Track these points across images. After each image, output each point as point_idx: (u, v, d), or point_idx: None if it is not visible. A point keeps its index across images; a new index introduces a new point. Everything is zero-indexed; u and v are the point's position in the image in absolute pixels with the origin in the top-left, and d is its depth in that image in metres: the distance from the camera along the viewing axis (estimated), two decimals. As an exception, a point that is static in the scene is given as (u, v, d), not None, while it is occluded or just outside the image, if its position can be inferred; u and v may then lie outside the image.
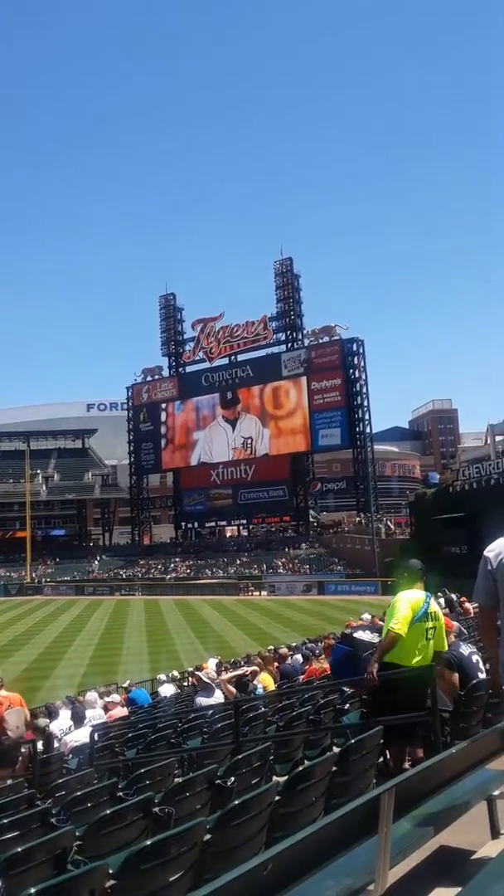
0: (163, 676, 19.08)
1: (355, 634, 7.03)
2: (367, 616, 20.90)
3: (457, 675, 6.24)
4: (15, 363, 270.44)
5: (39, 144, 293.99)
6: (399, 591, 5.69)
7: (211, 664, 16.66)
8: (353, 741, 4.45)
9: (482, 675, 6.25)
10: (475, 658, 6.51)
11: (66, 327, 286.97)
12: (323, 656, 12.80)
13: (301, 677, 12.41)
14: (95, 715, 12.40)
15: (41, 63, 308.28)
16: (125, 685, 20.12)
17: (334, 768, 4.12)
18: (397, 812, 3.04)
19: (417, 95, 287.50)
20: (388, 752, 5.87)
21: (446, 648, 5.97)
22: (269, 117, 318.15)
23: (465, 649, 6.65)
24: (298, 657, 16.15)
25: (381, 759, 5.68)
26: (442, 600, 16.49)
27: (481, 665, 6.41)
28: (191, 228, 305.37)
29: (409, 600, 5.50)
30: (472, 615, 14.05)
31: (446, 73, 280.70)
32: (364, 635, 6.55)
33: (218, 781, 4.70)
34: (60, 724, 11.45)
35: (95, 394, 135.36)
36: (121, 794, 5.30)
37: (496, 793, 3.75)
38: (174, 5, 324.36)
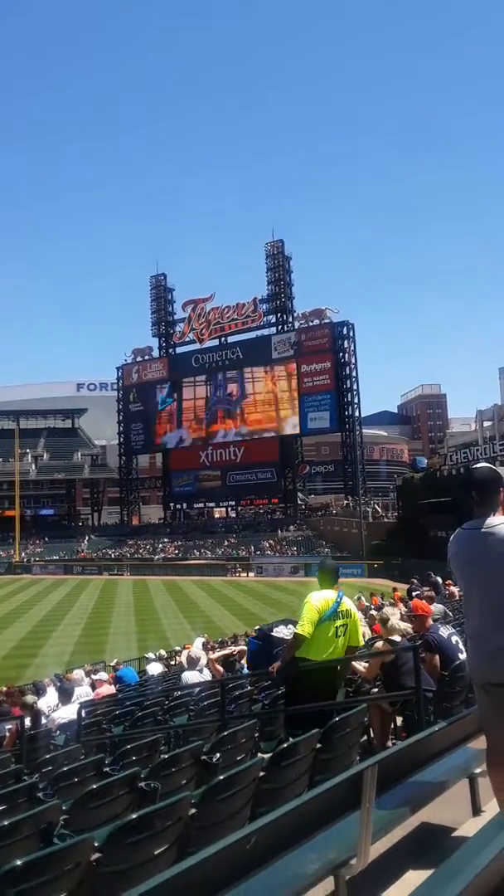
0: (151, 655, 19.19)
1: (273, 631, 7.85)
2: (362, 600, 21.10)
3: (437, 656, 6.34)
4: (4, 342, 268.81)
5: (33, 122, 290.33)
6: (313, 590, 6.05)
7: (197, 643, 16.75)
8: (336, 719, 4.50)
9: (462, 657, 6.33)
10: (454, 639, 6.61)
11: (57, 306, 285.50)
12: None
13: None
14: (83, 692, 12.47)
15: (40, 41, 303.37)
16: (113, 664, 20.23)
17: (318, 745, 4.17)
18: (380, 788, 3.09)
19: (411, 78, 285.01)
20: (371, 729, 5.97)
21: (361, 643, 6.36)
22: (264, 99, 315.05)
23: (445, 631, 6.76)
24: (286, 631, 16.24)
25: (365, 738, 5.76)
26: (430, 583, 16.64)
27: (461, 646, 6.49)
28: (183, 209, 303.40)
29: (317, 601, 5.86)
30: (457, 598, 14.18)
31: (442, 56, 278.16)
32: (280, 632, 6.69)
33: (203, 757, 4.74)
34: (48, 701, 11.52)
35: (86, 373, 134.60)
36: (107, 769, 5.35)
37: (477, 771, 3.82)
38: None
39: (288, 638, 6.50)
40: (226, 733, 5.51)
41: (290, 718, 5.83)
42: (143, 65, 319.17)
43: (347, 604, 6.02)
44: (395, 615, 7.34)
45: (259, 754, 5.58)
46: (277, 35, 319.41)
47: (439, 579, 16.83)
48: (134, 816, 3.12)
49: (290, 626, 7.07)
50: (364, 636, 7.58)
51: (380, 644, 6.79)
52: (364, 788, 2.90)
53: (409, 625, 7.10)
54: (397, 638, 6.89)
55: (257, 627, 12.31)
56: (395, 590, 26.30)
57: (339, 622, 5.86)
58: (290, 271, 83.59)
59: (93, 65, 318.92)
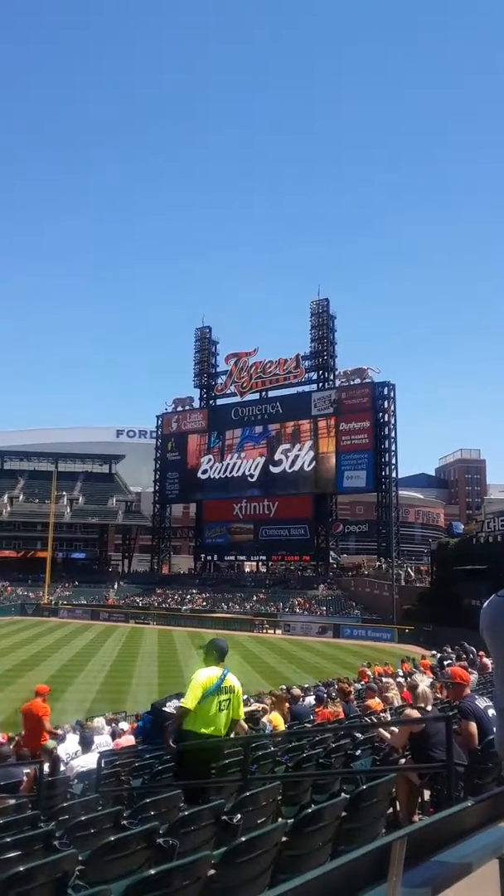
0: (170, 706, 18.89)
1: (164, 707, 8.89)
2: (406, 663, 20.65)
3: (474, 724, 6.13)
4: (48, 384, 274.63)
5: (85, 173, 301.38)
6: (200, 667, 6.76)
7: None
8: (364, 787, 4.38)
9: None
10: (491, 713, 6.40)
11: (101, 353, 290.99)
12: (337, 700, 12.63)
13: (313, 719, 12.23)
14: (103, 741, 12.31)
15: (87, 89, 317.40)
16: (135, 714, 19.95)
17: (344, 813, 4.06)
18: (406, 863, 2.98)
19: (462, 140, 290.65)
20: (397, 801, 5.78)
21: (241, 717, 6.97)
22: (316, 155, 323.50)
23: (482, 702, 6.54)
24: (311, 699, 15.92)
25: (391, 810, 5.58)
26: (464, 653, 16.25)
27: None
28: (230, 264, 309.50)
29: (203, 678, 6.56)
30: (489, 671, 13.80)
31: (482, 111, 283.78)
32: (170, 707, 8.08)
33: (224, 817, 4.64)
34: (67, 747, 11.38)
35: (125, 419, 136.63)
36: (125, 822, 5.25)
37: (509, 852, 3.66)
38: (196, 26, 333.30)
39: (173, 713, 7.32)
40: (248, 794, 5.38)
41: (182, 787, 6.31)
42: (199, 117, 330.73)
43: (231, 680, 6.63)
44: (424, 683, 7.18)
45: (280, 818, 5.45)
46: (329, 89, 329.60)
47: (473, 649, 16.41)
48: (152, 872, 3.06)
49: (171, 703, 8.11)
50: (394, 702, 7.63)
51: (410, 711, 6.62)
52: (392, 862, 2.80)
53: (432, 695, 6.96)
54: (427, 707, 6.72)
55: (84, 719, 13.25)
56: (423, 657, 25.70)
57: (222, 697, 6.50)
58: (334, 330, 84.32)
59: (152, 117, 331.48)
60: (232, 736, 6.92)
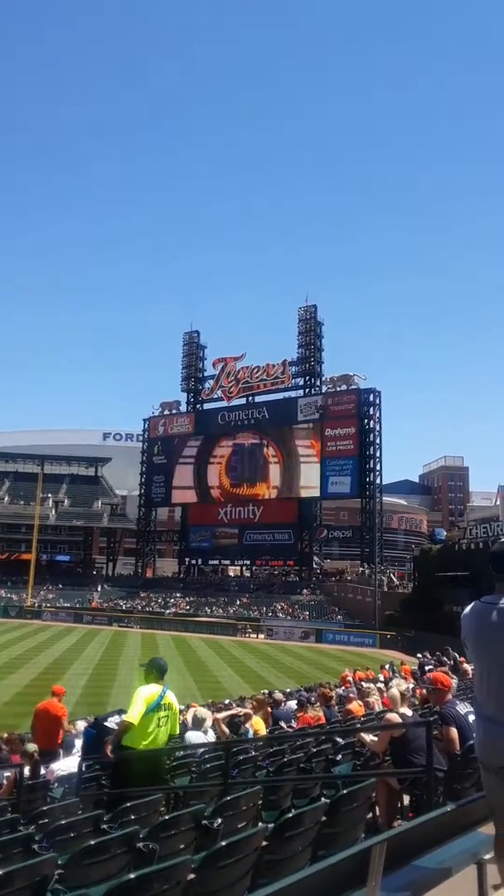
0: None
1: (105, 722, 9.25)
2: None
3: (455, 729, 6.17)
4: (34, 386, 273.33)
5: (75, 175, 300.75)
6: (141, 684, 7.05)
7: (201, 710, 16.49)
8: (344, 792, 4.40)
9: (478, 737, 6.16)
10: (472, 718, 6.44)
11: (88, 356, 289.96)
12: (318, 704, 12.64)
13: (294, 724, 12.24)
14: (83, 745, 12.24)
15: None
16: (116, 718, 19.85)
17: (324, 818, 4.07)
18: (386, 868, 2.99)
19: (449, 143, 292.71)
20: (377, 807, 5.81)
21: (178, 732, 7.42)
22: (304, 164, 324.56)
23: (463, 708, 6.58)
24: (293, 704, 15.91)
25: (371, 815, 5.60)
26: (448, 659, 16.31)
27: (477, 727, 6.32)
28: (219, 269, 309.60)
29: (145, 694, 6.85)
30: (469, 676, 13.87)
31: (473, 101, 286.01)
32: (111, 722, 8.32)
33: (204, 822, 4.64)
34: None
35: (112, 422, 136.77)
36: (105, 826, 5.24)
37: (486, 857, 3.69)
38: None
39: (115, 728, 7.61)
40: (228, 798, 5.38)
41: (113, 799, 6.59)
42: (189, 121, 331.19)
43: (170, 698, 7.01)
44: (400, 687, 7.21)
45: (260, 823, 5.45)
46: (326, 88, 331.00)
47: (456, 655, 16.49)
48: (132, 877, 3.06)
49: (112, 719, 8.39)
50: (375, 707, 7.70)
51: (391, 716, 6.65)
52: (371, 867, 2.82)
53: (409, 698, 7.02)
54: (407, 712, 6.74)
55: (93, 718, 13.40)
56: (403, 663, 25.80)
57: (161, 714, 6.84)
58: (321, 336, 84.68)
59: (139, 120, 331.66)
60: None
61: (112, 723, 8.40)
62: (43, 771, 9.97)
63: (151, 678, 7.04)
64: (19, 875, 3.62)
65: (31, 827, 5.57)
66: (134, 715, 6.70)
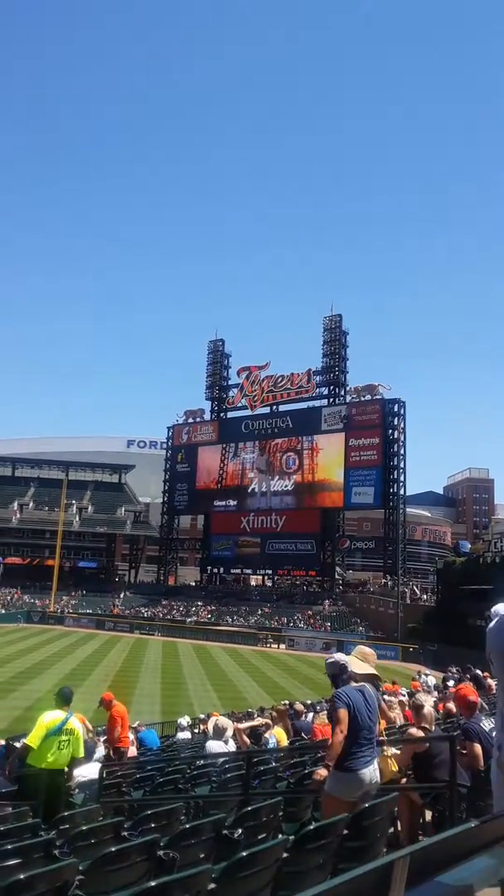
0: (183, 721, 18.79)
1: (16, 742, 10.10)
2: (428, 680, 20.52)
3: (478, 745, 6.09)
4: (60, 394, 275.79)
5: (100, 185, 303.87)
6: (47, 710, 7.79)
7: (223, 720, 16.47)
8: (366, 805, 4.37)
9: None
10: (495, 734, 6.35)
11: (113, 363, 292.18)
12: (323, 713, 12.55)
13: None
14: (104, 752, 12.27)
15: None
16: (135, 725, 19.87)
17: (345, 831, 4.04)
18: (407, 883, 2.96)
19: (480, 156, 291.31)
20: (398, 821, 5.75)
21: (81, 755, 8.07)
22: (332, 171, 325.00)
23: (487, 724, 6.50)
24: (313, 715, 15.83)
25: (392, 829, 5.55)
26: (471, 676, 16.10)
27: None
28: (245, 278, 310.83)
29: (47, 720, 7.59)
30: (492, 691, 13.67)
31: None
32: (19, 743, 8.68)
33: (225, 832, 4.63)
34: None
35: (136, 430, 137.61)
36: (125, 833, 5.24)
37: (510, 876, 3.63)
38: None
39: (18, 747, 8.40)
40: (249, 809, 5.36)
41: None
42: (219, 138, 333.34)
43: (73, 723, 7.72)
44: (428, 702, 7.14)
45: (281, 834, 5.42)
46: (347, 97, 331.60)
47: (479, 672, 16.28)
48: (153, 884, 3.05)
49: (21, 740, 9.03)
50: (397, 722, 7.67)
51: (414, 731, 6.58)
52: (394, 882, 2.79)
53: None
54: (430, 727, 6.68)
55: (3, 740, 14.47)
56: (413, 679, 25.46)
57: (62, 738, 7.53)
58: (346, 346, 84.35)
59: (152, 132, 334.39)
60: (72, 770, 8.07)
61: (20, 743, 9.16)
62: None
63: (59, 705, 7.81)
64: (41, 879, 3.64)
65: (52, 832, 5.59)
66: (33, 738, 7.46)
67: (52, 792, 7.37)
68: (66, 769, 7.79)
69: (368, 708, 5.45)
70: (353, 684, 5.62)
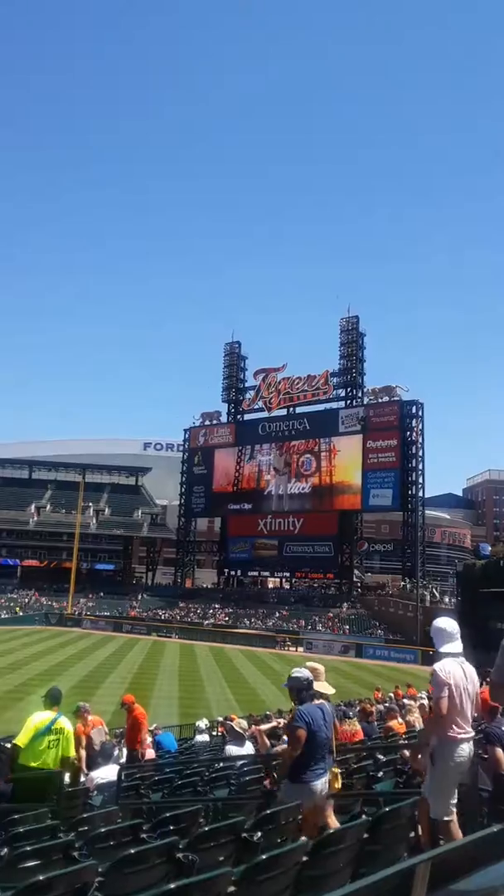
0: (201, 724, 18.81)
1: (6, 743, 9.88)
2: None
3: (500, 749, 6.02)
4: (77, 396, 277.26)
5: (118, 188, 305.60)
6: (37, 710, 7.94)
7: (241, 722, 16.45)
8: (386, 809, 4.33)
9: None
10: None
11: (130, 366, 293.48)
12: (356, 719, 12.50)
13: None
14: (123, 753, 12.29)
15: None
16: (151, 728, 19.89)
17: (366, 835, 4.01)
18: (428, 887, 2.93)
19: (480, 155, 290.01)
20: (419, 826, 5.70)
21: (71, 754, 8.10)
22: (349, 174, 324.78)
23: (508, 728, 6.43)
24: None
25: (413, 834, 5.50)
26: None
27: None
28: (261, 280, 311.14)
29: (36, 720, 7.71)
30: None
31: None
32: (8, 744, 8.97)
33: (244, 835, 4.61)
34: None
35: (153, 432, 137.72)
36: (144, 835, 5.24)
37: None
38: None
39: (9, 747, 8.53)
40: (268, 812, 5.34)
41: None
42: (236, 141, 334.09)
43: (63, 723, 7.81)
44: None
45: (301, 838, 5.39)
46: (353, 99, 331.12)
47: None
48: (172, 887, 3.04)
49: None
50: (416, 725, 7.67)
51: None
52: (416, 885, 2.77)
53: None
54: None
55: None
56: (409, 684, 25.32)
57: (52, 737, 7.63)
58: (363, 347, 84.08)
59: (172, 131, 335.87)
60: (63, 770, 8.07)
61: (7, 744, 9.43)
62: (82, 778, 10.04)
63: (47, 706, 7.93)
64: (60, 881, 3.65)
65: (72, 834, 5.59)
66: (22, 738, 7.60)
67: (42, 792, 7.48)
68: (58, 769, 7.87)
69: (326, 724, 5.89)
70: (316, 701, 6.05)
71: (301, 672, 6.37)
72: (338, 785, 6.28)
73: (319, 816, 5.61)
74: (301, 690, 6.15)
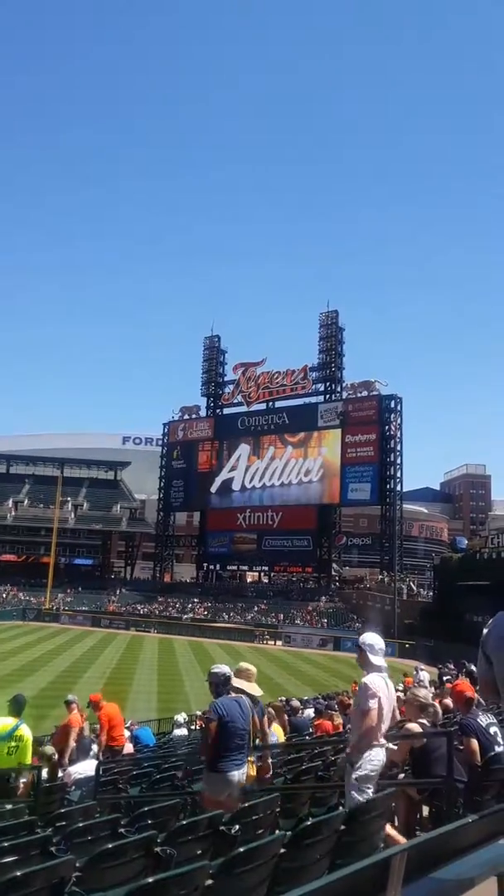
0: (180, 718, 18.81)
1: None
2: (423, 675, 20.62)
3: (475, 741, 6.10)
4: (56, 390, 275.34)
5: (96, 183, 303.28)
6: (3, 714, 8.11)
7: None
8: (363, 801, 4.36)
9: (500, 749, 6.09)
10: (493, 730, 6.36)
11: (109, 360, 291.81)
12: (336, 712, 12.56)
13: (312, 731, 12.19)
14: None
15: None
16: (128, 724, 19.85)
17: (342, 827, 4.03)
18: (405, 878, 2.95)
19: (479, 156, 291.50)
20: (395, 817, 5.75)
21: (28, 762, 8.14)
22: (327, 168, 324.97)
23: (484, 719, 6.50)
24: (310, 712, 15.87)
25: (390, 825, 5.54)
26: (467, 672, 16.14)
27: (500, 738, 6.25)
28: (240, 274, 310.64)
29: None
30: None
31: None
32: None
33: (222, 828, 4.62)
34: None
35: (132, 426, 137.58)
36: (122, 830, 5.24)
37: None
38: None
39: None
40: (246, 805, 5.36)
41: None
42: (210, 128, 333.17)
43: (23, 730, 7.97)
44: (426, 697, 7.14)
45: (278, 830, 5.42)
46: (341, 88, 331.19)
47: (473, 668, 16.31)
48: (150, 881, 3.04)
49: None
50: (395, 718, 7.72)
51: (412, 725, 6.58)
52: (392, 876, 2.79)
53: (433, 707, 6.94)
54: (427, 722, 6.67)
55: None
56: (406, 675, 25.47)
57: (11, 744, 7.78)
58: (343, 342, 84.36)
59: (159, 127, 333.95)
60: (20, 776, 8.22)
61: None
62: (60, 774, 10.00)
63: (11, 712, 8.11)
64: (38, 876, 3.63)
65: (49, 829, 5.58)
66: None
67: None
68: (11, 776, 8.04)
69: (243, 717, 6.14)
70: (232, 695, 6.39)
71: (220, 668, 6.76)
72: (253, 773, 6.54)
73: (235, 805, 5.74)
74: (218, 685, 6.52)
